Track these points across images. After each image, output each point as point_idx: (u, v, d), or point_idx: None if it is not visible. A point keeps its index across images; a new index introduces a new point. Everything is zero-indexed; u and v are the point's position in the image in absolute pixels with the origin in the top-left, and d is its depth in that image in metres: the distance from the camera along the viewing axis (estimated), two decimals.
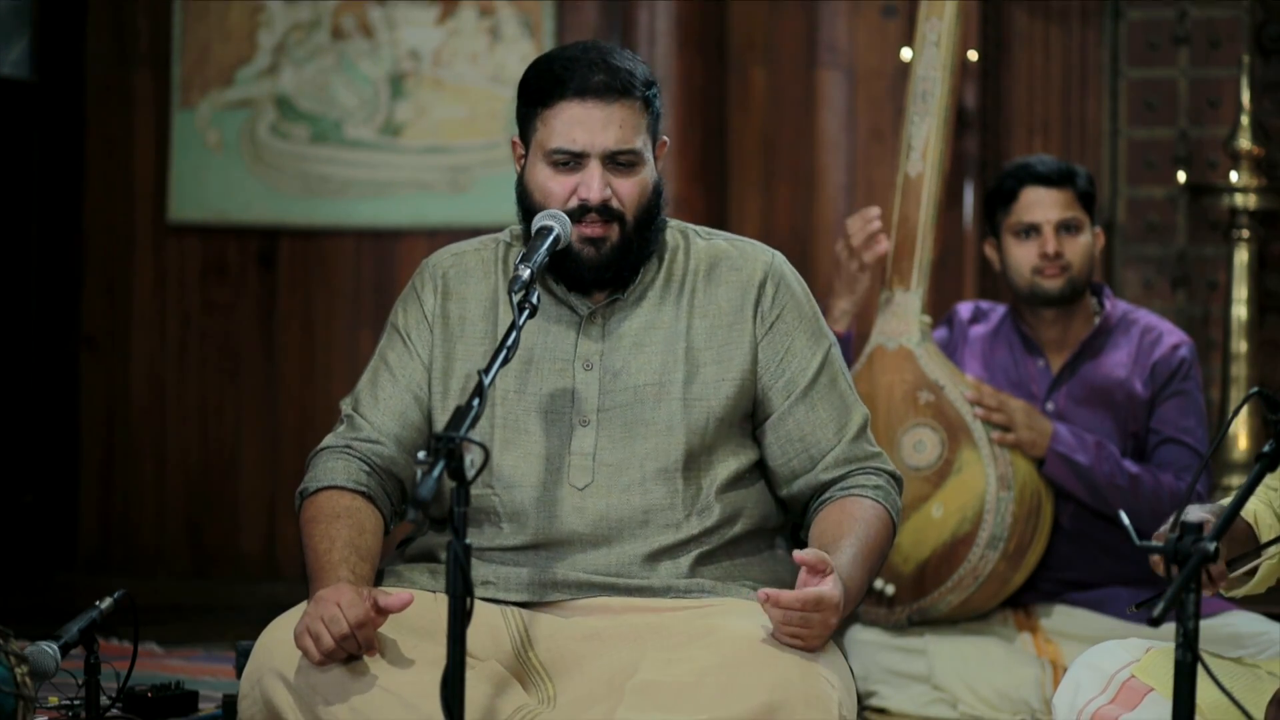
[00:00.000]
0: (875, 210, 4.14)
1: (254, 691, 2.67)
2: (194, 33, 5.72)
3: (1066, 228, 4.10)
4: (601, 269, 2.82)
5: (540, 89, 2.82)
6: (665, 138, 2.90)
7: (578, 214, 2.80)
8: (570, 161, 2.80)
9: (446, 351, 2.89)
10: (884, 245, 4.11)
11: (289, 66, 5.70)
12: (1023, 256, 4.11)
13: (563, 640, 2.71)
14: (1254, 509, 2.80)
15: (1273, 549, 2.71)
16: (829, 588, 2.58)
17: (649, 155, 2.84)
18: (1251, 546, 2.73)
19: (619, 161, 2.80)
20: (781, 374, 2.85)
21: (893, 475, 2.88)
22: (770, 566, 2.85)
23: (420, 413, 2.88)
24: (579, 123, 2.78)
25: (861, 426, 2.89)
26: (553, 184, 2.81)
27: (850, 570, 2.69)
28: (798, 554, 2.60)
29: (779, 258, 2.92)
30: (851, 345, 4.13)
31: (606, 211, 2.80)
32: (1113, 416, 4.10)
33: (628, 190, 2.81)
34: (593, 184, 2.79)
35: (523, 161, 2.88)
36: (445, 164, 5.65)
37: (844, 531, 2.76)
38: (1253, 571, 2.72)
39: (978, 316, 4.28)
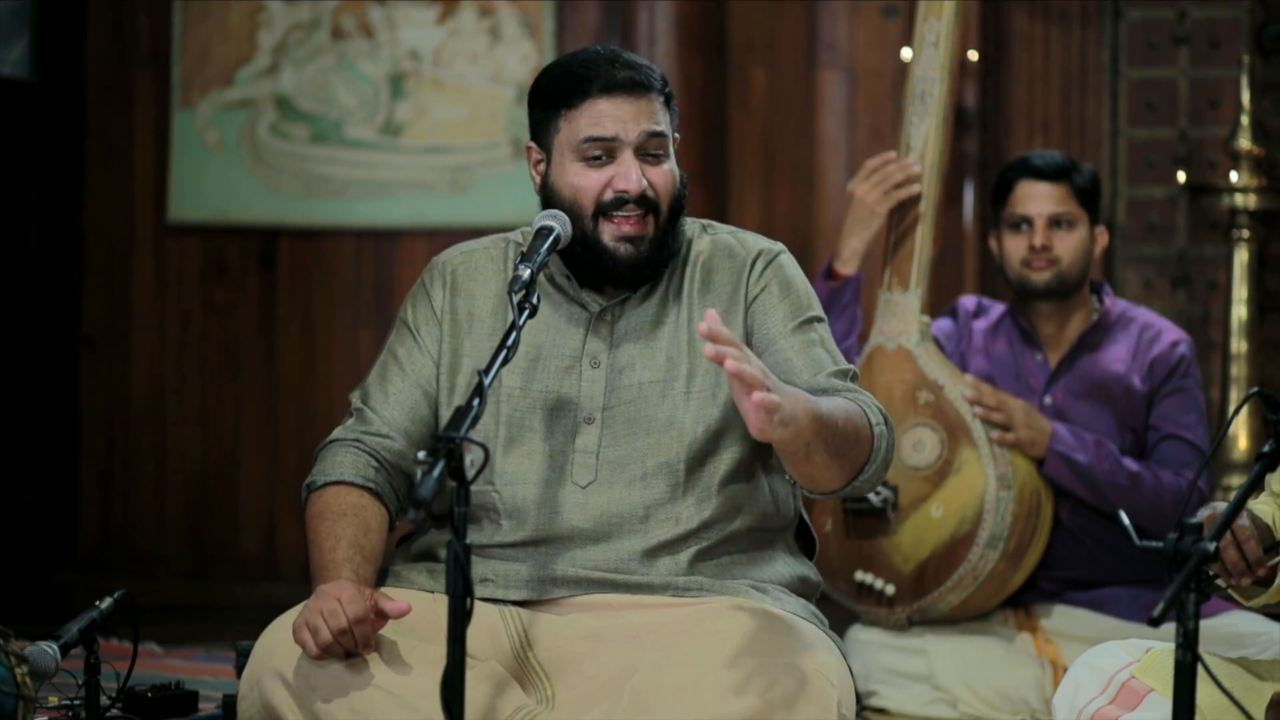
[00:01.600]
0: (914, 165, 4.17)
1: (253, 692, 2.67)
2: (194, 33, 5.72)
3: (1058, 222, 4.11)
4: (641, 266, 2.81)
5: (563, 90, 2.81)
6: (677, 134, 2.90)
7: (612, 207, 2.79)
8: (602, 154, 2.79)
9: (454, 347, 2.89)
10: (917, 187, 4.14)
11: (289, 66, 5.70)
12: (1014, 248, 4.13)
13: (562, 640, 2.71)
14: (1271, 513, 2.80)
15: None
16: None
17: (673, 148, 2.85)
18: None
19: (650, 151, 2.80)
20: (766, 328, 2.82)
21: (876, 406, 2.76)
22: (770, 567, 2.85)
23: (429, 408, 2.88)
24: (609, 115, 2.78)
25: (842, 371, 2.80)
26: (583, 179, 2.80)
27: (804, 395, 2.56)
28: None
29: (778, 246, 2.92)
30: (860, 286, 4.14)
31: (644, 202, 2.79)
32: (1111, 411, 4.10)
33: (660, 179, 2.81)
34: (630, 174, 2.78)
35: (542, 166, 2.87)
36: (445, 164, 5.65)
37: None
38: (1271, 579, 2.72)
39: (979, 311, 4.30)
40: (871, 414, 2.73)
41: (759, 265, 2.87)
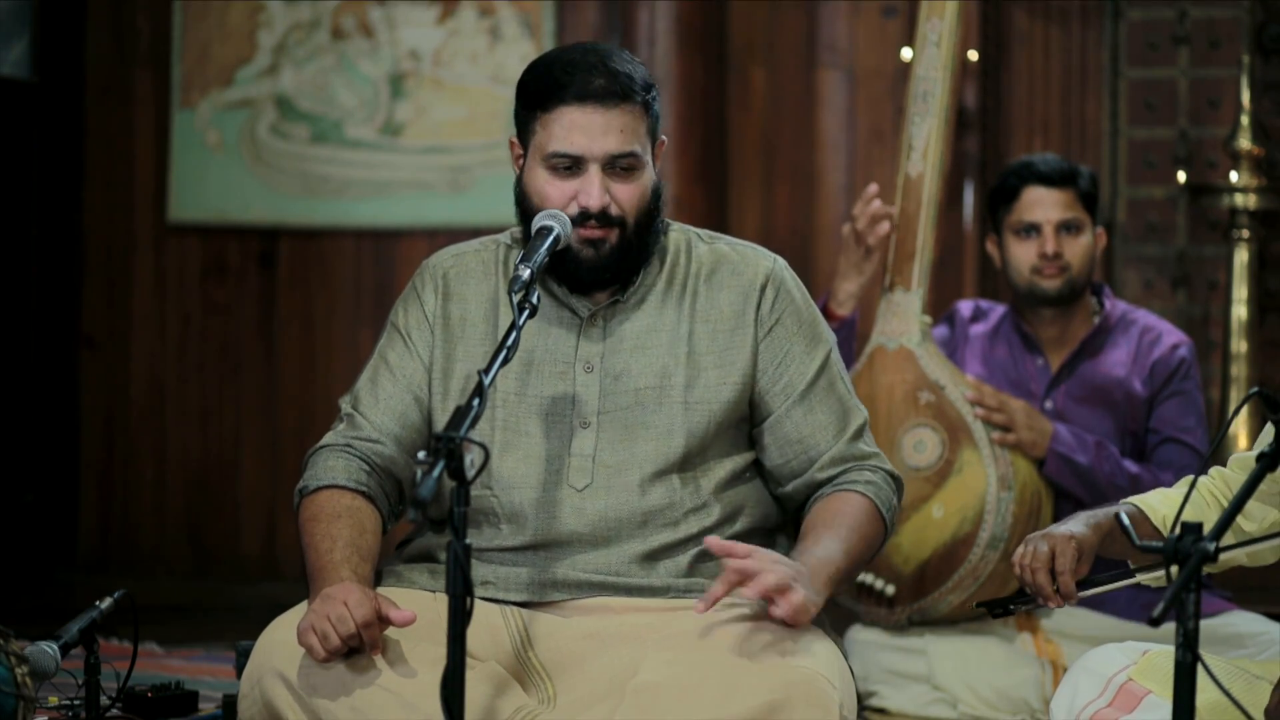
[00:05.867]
0: (874, 188, 4.13)
1: (254, 691, 2.67)
2: (194, 33, 5.72)
3: (1067, 228, 4.11)
4: (600, 270, 2.82)
5: (540, 92, 2.81)
6: (664, 137, 2.90)
7: (577, 220, 2.79)
8: (570, 166, 2.79)
9: (447, 352, 2.88)
10: (887, 226, 4.11)
11: (289, 66, 5.70)
12: (1022, 255, 4.12)
13: (563, 640, 2.71)
14: (1151, 504, 2.81)
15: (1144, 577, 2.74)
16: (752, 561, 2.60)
17: (648, 158, 2.84)
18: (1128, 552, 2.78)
19: (618, 166, 2.79)
20: (779, 377, 2.85)
21: (890, 474, 2.87)
22: None
23: (420, 413, 2.88)
24: (578, 128, 2.77)
25: (859, 428, 2.89)
26: (550, 189, 2.80)
27: (825, 553, 2.70)
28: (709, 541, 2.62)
29: (780, 263, 2.92)
30: (855, 328, 4.13)
31: (605, 218, 2.79)
32: (1111, 415, 4.10)
33: (627, 195, 2.80)
34: (592, 191, 2.78)
35: (521, 162, 2.87)
36: (445, 164, 5.64)
37: (824, 524, 2.77)
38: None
39: (977, 315, 4.29)
40: (882, 499, 2.83)
41: (769, 293, 2.87)
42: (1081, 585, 2.73)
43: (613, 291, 2.86)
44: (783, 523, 2.93)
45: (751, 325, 2.86)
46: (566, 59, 2.83)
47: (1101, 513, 2.80)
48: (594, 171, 2.78)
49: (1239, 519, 2.79)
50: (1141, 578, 2.74)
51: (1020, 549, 2.76)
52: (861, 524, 2.79)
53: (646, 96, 2.82)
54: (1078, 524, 2.77)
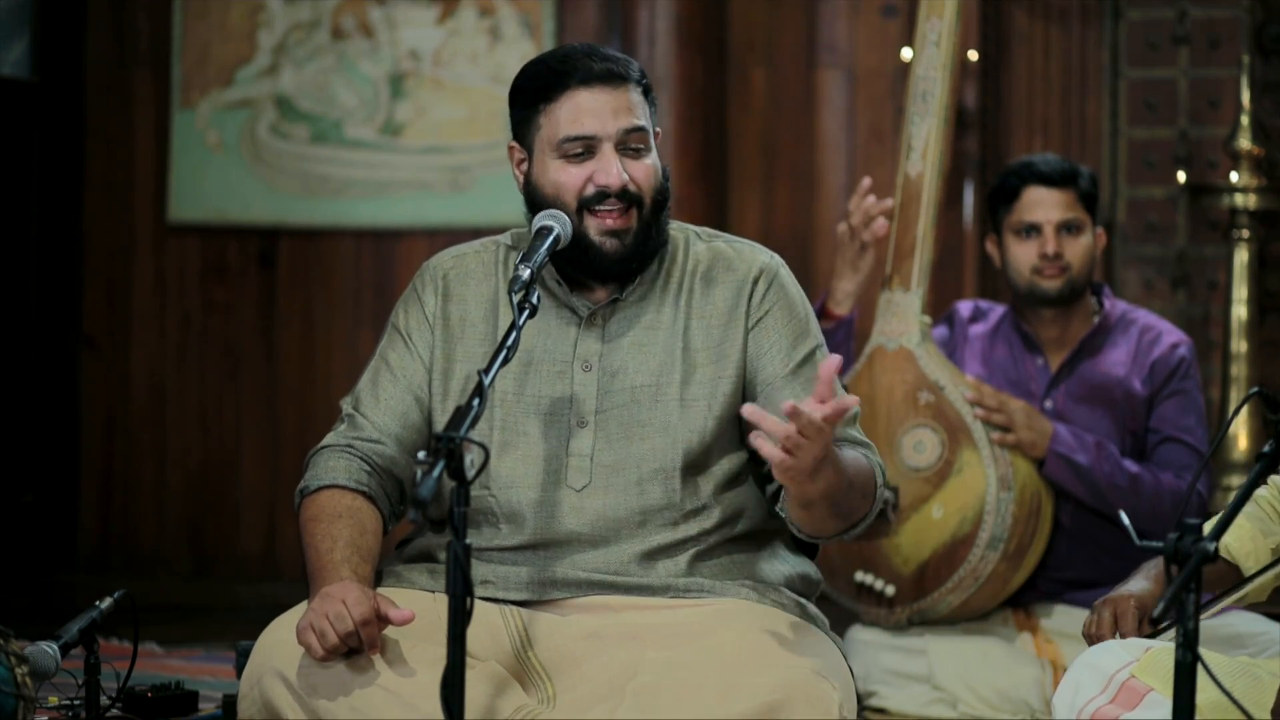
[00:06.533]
0: (867, 182, 4.13)
1: (254, 691, 2.67)
2: (194, 33, 5.72)
3: (1067, 228, 4.11)
4: (626, 260, 2.81)
5: (541, 85, 2.82)
6: (658, 129, 2.90)
7: (594, 201, 2.78)
8: (583, 151, 2.79)
9: (447, 353, 2.88)
10: (883, 224, 4.11)
11: (289, 66, 5.70)
12: (1023, 256, 4.12)
13: (562, 640, 2.71)
14: (1226, 542, 2.81)
15: (1247, 587, 2.73)
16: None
17: (654, 141, 2.84)
18: (1229, 583, 2.78)
19: (630, 145, 2.80)
20: (766, 365, 2.83)
21: (880, 465, 2.81)
22: (770, 564, 2.85)
23: (421, 413, 2.88)
24: (587, 110, 2.78)
25: (850, 416, 2.84)
26: (564, 176, 2.80)
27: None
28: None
29: (777, 259, 2.92)
30: (854, 327, 4.13)
31: (626, 196, 2.79)
32: (1111, 415, 4.10)
33: (642, 173, 2.80)
34: (610, 169, 2.78)
35: (524, 165, 2.87)
36: (445, 164, 5.65)
37: None
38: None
39: (977, 315, 4.29)
40: (878, 477, 2.77)
41: (761, 285, 2.86)
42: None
43: (612, 290, 2.86)
44: (781, 527, 2.92)
45: (743, 318, 2.85)
46: (560, 55, 2.84)
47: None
48: (608, 150, 2.78)
49: None
50: (1229, 600, 2.74)
51: (1087, 618, 2.80)
52: (857, 464, 2.70)
53: (644, 82, 2.83)
54: (1138, 580, 2.80)
